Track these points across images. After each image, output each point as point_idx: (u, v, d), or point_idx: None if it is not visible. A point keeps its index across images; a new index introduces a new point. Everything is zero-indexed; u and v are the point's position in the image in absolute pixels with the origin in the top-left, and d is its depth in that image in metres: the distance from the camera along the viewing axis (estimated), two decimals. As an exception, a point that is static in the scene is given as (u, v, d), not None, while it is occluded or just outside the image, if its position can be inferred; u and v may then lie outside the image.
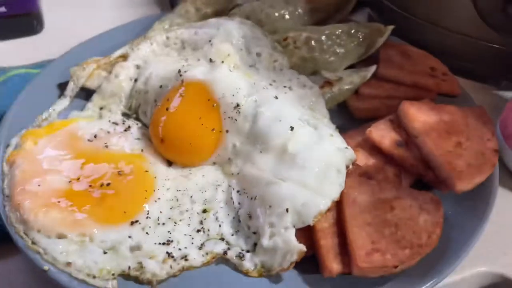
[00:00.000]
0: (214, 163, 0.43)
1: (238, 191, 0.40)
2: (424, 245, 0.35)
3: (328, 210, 0.37)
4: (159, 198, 0.39)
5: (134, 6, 0.71)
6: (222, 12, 0.59)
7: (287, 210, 0.36)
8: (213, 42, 0.50)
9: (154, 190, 0.40)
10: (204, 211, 0.40)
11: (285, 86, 0.48)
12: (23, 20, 0.63)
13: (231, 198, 0.40)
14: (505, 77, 0.56)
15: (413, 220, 0.36)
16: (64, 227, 0.36)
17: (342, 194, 0.38)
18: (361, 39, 0.53)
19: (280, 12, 0.57)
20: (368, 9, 0.65)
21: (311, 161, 0.39)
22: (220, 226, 0.39)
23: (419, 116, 0.43)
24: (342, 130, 0.46)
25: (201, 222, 0.39)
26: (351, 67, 0.53)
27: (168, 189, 0.40)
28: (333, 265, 0.35)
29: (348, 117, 0.50)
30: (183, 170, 0.43)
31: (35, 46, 0.63)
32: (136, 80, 0.49)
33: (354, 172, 0.40)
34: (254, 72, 0.49)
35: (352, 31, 0.53)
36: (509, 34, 0.50)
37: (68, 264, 0.35)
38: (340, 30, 0.53)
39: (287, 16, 0.57)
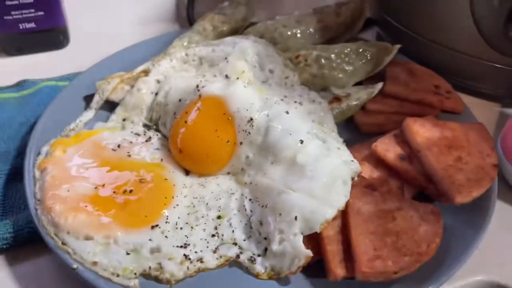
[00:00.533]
0: (228, 173, 0.46)
1: (250, 199, 0.43)
2: (423, 253, 0.38)
3: (334, 218, 0.39)
4: (177, 205, 0.43)
5: (155, 23, 0.75)
6: (238, 30, 0.63)
7: (296, 218, 0.39)
8: (229, 59, 0.54)
9: (172, 197, 0.43)
10: (219, 217, 0.43)
11: (295, 101, 0.51)
12: (50, 35, 0.67)
13: (244, 206, 0.43)
14: (507, 95, 0.58)
15: (414, 229, 0.39)
16: (91, 230, 0.40)
17: (347, 204, 0.40)
18: (368, 58, 0.56)
19: (292, 31, 0.60)
20: (376, 28, 0.68)
21: (319, 172, 0.42)
22: (233, 231, 0.41)
23: (422, 131, 0.46)
24: (349, 144, 0.48)
25: (215, 228, 0.42)
26: (359, 83, 0.56)
27: (185, 196, 0.43)
28: (338, 270, 0.37)
29: (355, 132, 0.52)
30: (200, 179, 0.46)
31: (62, 60, 0.66)
32: (156, 94, 0.53)
33: (359, 184, 0.43)
34: (266, 88, 0.52)
35: (360, 50, 0.56)
36: (510, 54, 0.53)
37: (95, 263, 0.38)
38: (348, 49, 0.56)
39: (299, 35, 0.61)
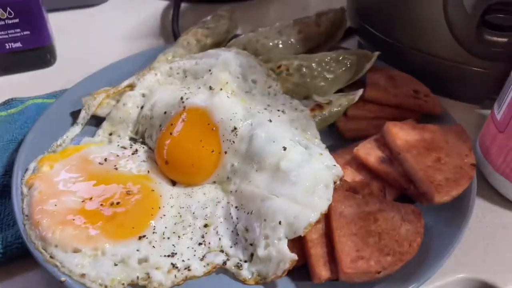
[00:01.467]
0: (214, 182, 0.47)
1: (236, 207, 0.44)
2: (405, 252, 0.38)
3: (318, 222, 0.40)
4: (164, 215, 0.43)
5: (140, 39, 0.76)
6: (221, 42, 0.64)
7: (280, 222, 0.40)
8: (213, 71, 0.55)
9: (159, 208, 0.43)
10: (205, 225, 0.43)
11: (278, 110, 0.53)
12: (37, 53, 0.67)
13: (230, 214, 0.44)
14: (485, 96, 0.60)
15: (395, 230, 0.40)
16: (79, 243, 0.40)
17: (330, 207, 0.41)
18: (349, 65, 0.58)
19: (274, 42, 0.62)
20: (357, 37, 0.70)
21: (302, 177, 0.43)
22: (220, 239, 0.42)
23: (402, 135, 0.47)
24: (333, 149, 0.49)
25: (202, 236, 0.42)
26: (340, 91, 0.57)
27: (172, 206, 0.44)
28: (322, 272, 0.38)
29: (337, 137, 0.54)
30: (186, 189, 0.47)
31: (49, 78, 0.67)
32: (142, 108, 0.54)
33: (342, 188, 0.44)
34: (250, 97, 0.54)
35: (341, 58, 0.58)
36: (485, 58, 0.54)
37: (83, 275, 0.38)
38: (329, 58, 0.58)
39: (280, 46, 0.62)
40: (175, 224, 0.43)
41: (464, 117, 0.55)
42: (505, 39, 0.52)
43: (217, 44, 0.64)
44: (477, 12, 0.52)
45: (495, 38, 0.53)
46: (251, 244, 0.41)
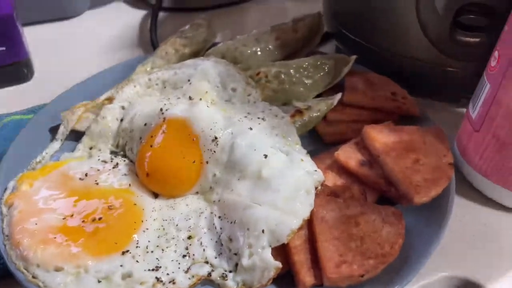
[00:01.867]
0: (197, 192, 0.47)
1: (219, 217, 0.44)
2: (387, 254, 0.39)
3: (300, 228, 0.41)
4: (147, 228, 0.43)
5: (118, 50, 0.76)
6: (200, 51, 0.65)
7: (263, 231, 0.40)
8: (192, 81, 0.55)
9: (142, 221, 0.43)
10: (189, 237, 0.43)
11: (259, 118, 0.53)
12: (13, 69, 0.67)
13: (213, 224, 0.44)
14: (462, 96, 0.61)
15: (377, 232, 0.40)
16: (61, 261, 0.40)
17: (312, 212, 0.42)
18: (327, 70, 0.58)
19: (252, 49, 0.62)
20: (335, 41, 0.71)
21: (283, 184, 0.43)
22: (204, 250, 0.42)
23: (380, 137, 0.48)
24: (314, 154, 0.50)
25: (186, 248, 0.42)
26: (319, 95, 0.58)
27: (155, 219, 0.44)
28: (306, 278, 0.38)
29: (319, 142, 0.54)
30: (169, 201, 0.46)
31: (27, 93, 0.66)
32: (122, 120, 0.53)
33: (323, 192, 0.44)
34: (230, 106, 0.54)
35: (318, 63, 0.58)
36: (458, 58, 0.56)
37: (66, 294, 0.38)
38: (307, 63, 0.58)
39: (259, 53, 0.63)
40: (158, 237, 0.43)
41: (443, 117, 0.56)
42: (477, 39, 0.54)
43: (196, 53, 0.64)
44: (449, 14, 0.53)
45: (467, 39, 0.54)
46: (235, 254, 0.41)
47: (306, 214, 0.41)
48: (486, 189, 0.49)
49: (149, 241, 0.42)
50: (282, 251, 0.41)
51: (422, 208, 0.44)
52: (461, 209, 0.48)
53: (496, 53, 0.45)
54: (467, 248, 0.45)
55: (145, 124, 0.51)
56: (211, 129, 0.48)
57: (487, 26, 0.53)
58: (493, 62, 0.46)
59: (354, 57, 0.59)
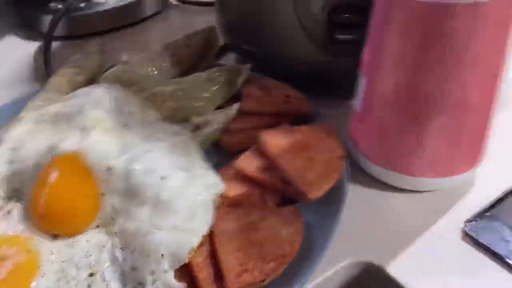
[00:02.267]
0: (98, 226, 0.46)
1: (121, 248, 0.43)
2: (287, 254, 0.40)
3: (201, 245, 0.41)
4: (44, 273, 0.41)
5: (13, 86, 0.72)
6: (94, 78, 0.63)
7: (162, 255, 0.40)
8: (84, 110, 0.53)
9: (38, 267, 0.41)
10: (91, 274, 0.42)
11: (158, 138, 0.52)
12: None
13: (116, 256, 0.43)
14: (351, 90, 0.64)
15: (276, 235, 0.41)
16: None
17: (212, 227, 0.42)
18: (223, 81, 0.59)
19: (147, 70, 0.62)
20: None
21: (181, 204, 0.43)
22: (107, 285, 0.41)
23: (274, 141, 0.49)
24: (219, 166, 0.50)
25: (89, 286, 0.41)
26: (220, 107, 0.59)
27: (52, 262, 0.42)
28: (211, 294, 0.39)
29: (224, 154, 0.55)
30: (68, 240, 0.44)
31: None
32: (12, 162, 0.51)
33: (223, 204, 0.44)
34: (127, 131, 0.53)
35: (212, 76, 0.59)
36: (340, 55, 0.59)
37: None
38: (202, 77, 0.59)
39: (155, 72, 0.62)
40: (58, 280, 0.41)
41: (340, 113, 0.59)
42: (353, 36, 0.57)
43: (91, 80, 0.63)
44: (324, 13, 0.56)
45: (344, 37, 0.57)
46: (139, 284, 0.40)
47: (204, 230, 0.41)
48: (377, 174, 0.51)
49: (47, 287, 0.40)
50: (187, 271, 0.40)
51: (320, 203, 0.45)
52: (359, 196, 0.51)
53: (365, 48, 0.48)
54: (366, 233, 0.47)
55: (36, 164, 0.49)
56: (104, 159, 0.46)
57: (360, 23, 0.56)
58: (364, 56, 0.49)
59: (247, 65, 0.60)
